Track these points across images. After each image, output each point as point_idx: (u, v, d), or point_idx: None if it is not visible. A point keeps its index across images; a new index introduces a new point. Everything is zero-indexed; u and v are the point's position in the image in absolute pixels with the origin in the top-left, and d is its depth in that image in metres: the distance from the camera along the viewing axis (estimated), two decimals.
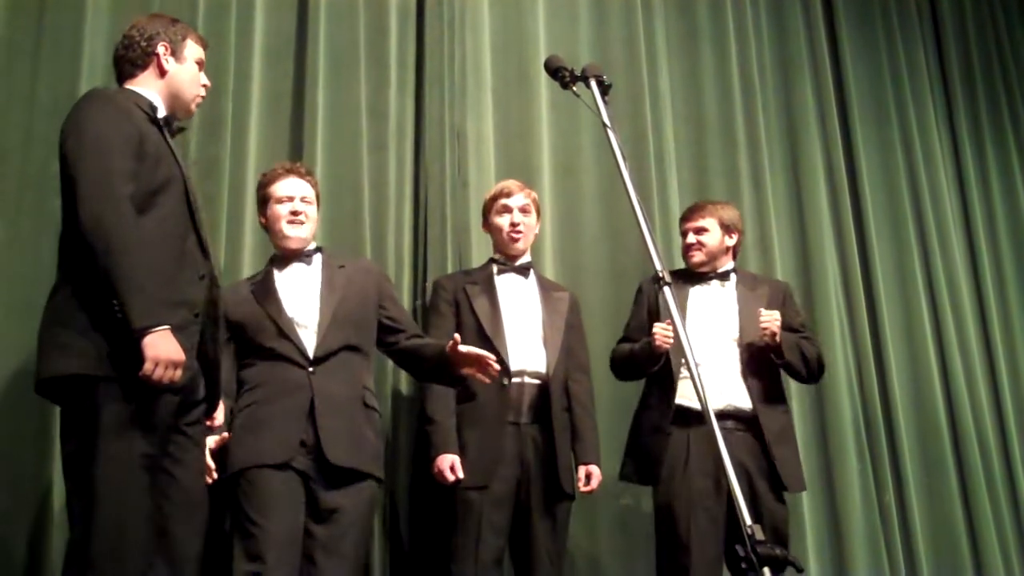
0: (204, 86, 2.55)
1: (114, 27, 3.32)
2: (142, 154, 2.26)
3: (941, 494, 4.73)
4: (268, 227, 3.08)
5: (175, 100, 2.47)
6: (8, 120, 3.12)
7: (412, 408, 3.52)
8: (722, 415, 3.20)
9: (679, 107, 4.68)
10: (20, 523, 2.83)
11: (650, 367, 3.32)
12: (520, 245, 3.38)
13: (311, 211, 3.06)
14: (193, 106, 2.52)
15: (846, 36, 5.33)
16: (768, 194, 4.69)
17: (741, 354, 3.34)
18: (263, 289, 3.00)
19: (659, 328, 3.23)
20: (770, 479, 3.26)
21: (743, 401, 3.29)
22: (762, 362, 3.34)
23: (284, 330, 2.90)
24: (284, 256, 3.05)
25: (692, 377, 2.03)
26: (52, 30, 3.22)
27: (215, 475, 2.73)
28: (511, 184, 3.45)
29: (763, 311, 3.30)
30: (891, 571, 4.38)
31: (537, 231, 3.51)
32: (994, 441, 4.97)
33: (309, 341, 2.91)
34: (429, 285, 3.60)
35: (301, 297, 2.99)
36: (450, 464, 3.07)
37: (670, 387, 3.30)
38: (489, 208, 3.43)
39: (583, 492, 3.27)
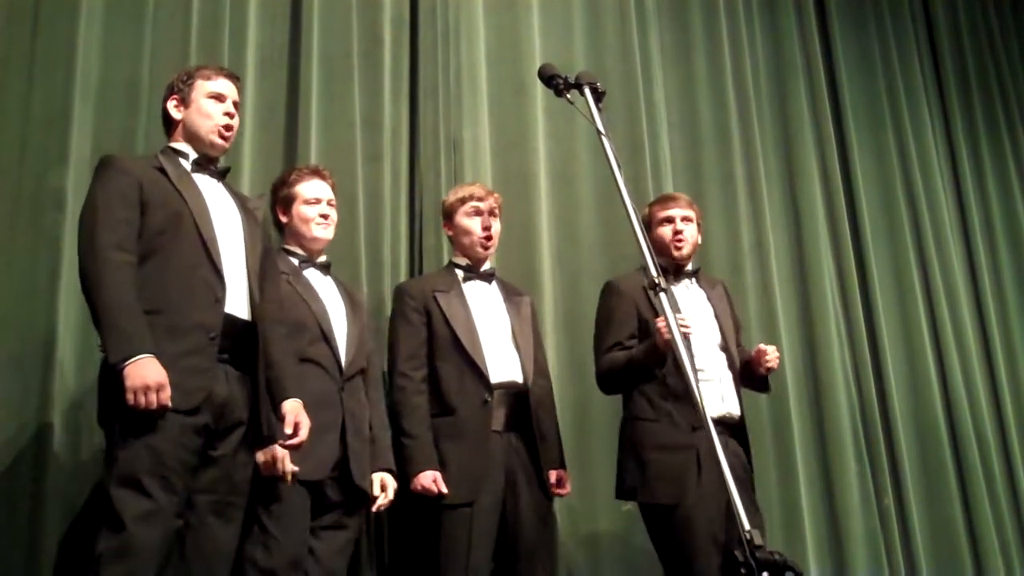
0: (227, 114, 2.63)
1: (107, 40, 3.33)
2: (144, 201, 2.42)
3: (940, 496, 4.74)
4: (290, 226, 3.07)
5: (195, 141, 2.62)
6: (2, 134, 3.10)
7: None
8: (718, 423, 3.08)
9: (674, 115, 4.69)
10: (17, 536, 2.81)
11: (654, 368, 3.12)
12: (492, 251, 3.34)
13: (334, 215, 3.10)
14: (214, 138, 2.62)
15: (840, 43, 5.36)
16: (764, 201, 4.70)
17: (728, 360, 3.26)
18: (304, 285, 2.95)
19: (661, 323, 2.96)
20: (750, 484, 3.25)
21: (735, 408, 3.23)
22: (740, 367, 3.30)
23: (327, 335, 2.86)
24: (304, 257, 3.04)
25: (692, 382, 2.00)
26: (46, 44, 3.20)
27: (291, 479, 2.65)
28: (479, 187, 3.38)
29: (767, 347, 3.23)
30: (891, 574, 4.38)
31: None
32: (993, 443, 4.98)
33: (341, 354, 2.88)
34: None
35: (331, 306, 2.96)
36: (432, 479, 2.98)
37: (685, 395, 3.03)
38: (455, 208, 3.30)
39: (559, 495, 3.24)
